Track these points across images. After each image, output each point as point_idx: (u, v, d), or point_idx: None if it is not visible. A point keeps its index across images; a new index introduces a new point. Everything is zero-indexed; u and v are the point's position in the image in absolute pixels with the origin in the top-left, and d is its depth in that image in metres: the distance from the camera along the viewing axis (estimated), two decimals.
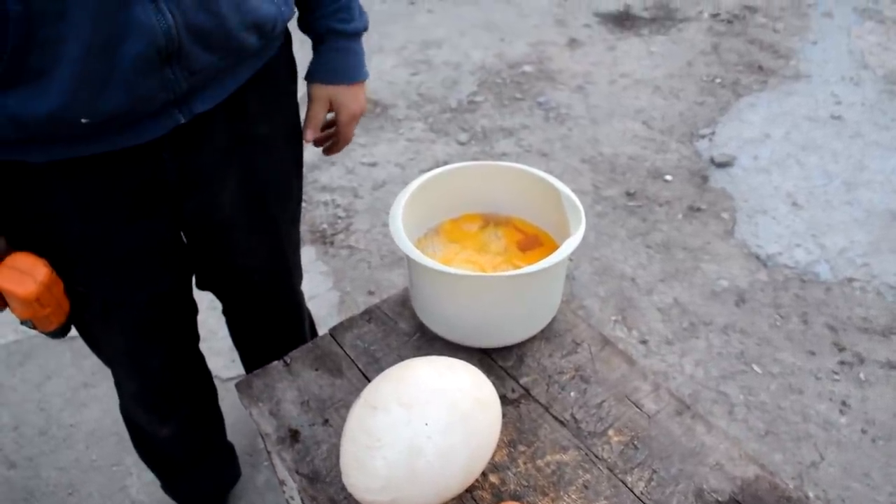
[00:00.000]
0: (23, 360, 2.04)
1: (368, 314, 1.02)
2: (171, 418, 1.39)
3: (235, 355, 1.97)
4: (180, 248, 1.09)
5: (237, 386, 0.93)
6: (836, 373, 1.91)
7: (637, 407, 0.88)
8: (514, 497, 0.79)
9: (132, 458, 1.78)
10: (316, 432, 0.86)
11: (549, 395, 0.90)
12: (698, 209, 2.44)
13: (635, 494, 0.79)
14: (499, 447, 0.84)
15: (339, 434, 0.85)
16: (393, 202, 0.94)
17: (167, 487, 1.61)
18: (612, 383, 0.91)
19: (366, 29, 1.15)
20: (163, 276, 1.10)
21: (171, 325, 1.22)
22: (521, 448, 0.84)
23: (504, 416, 0.87)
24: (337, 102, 1.15)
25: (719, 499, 0.78)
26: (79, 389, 1.97)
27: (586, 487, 0.80)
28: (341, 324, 1.00)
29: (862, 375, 1.90)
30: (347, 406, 0.88)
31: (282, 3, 0.95)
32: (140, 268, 1.04)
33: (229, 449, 1.66)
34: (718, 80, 3.13)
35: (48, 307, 0.92)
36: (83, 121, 0.79)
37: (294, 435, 0.86)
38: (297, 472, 0.82)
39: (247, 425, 1.81)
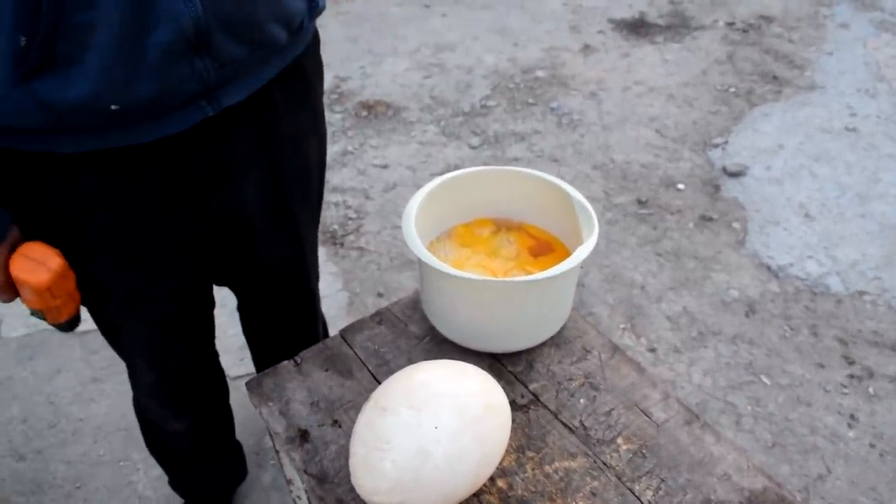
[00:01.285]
0: (33, 353, 2.05)
1: (379, 316, 1.02)
2: (185, 413, 1.40)
3: (245, 354, 1.98)
4: (205, 242, 1.09)
5: (247, 385, 0.93)
6: (844, 386, 1.90)
7: (646, 415, 0.88)
8: (522, 503, 0.79)
9: (139, 454, 1.79)
10: (325, 433, 0.86)
11: (558, 401, 0.90)
12: (710, 218, 2.43)
13: (643, 503, 0.79)
14: (507, 452, 0.84)
15: (348, 435, 0.85)
16: (404, 204, 0.94)
17: (175, 483, 1.62)
18: (621, 391, 0.91)
19: None
20: (188, 270, 1.10)
21: (193, 319, 1.22)
22: (530, 454, 0.84)
23: (513, 421, 0.87)
24: None
25: None
26: (87, 384, 1.98)
27: (594, 495, 0.80)
28: (352, 325, 1.01)
29: (871, 389, 1.89)
30: (357, 407, 0.88)
31: None
32: (165, 261, 1.04)
33: (237, 447, 1.66)
34: (732, 90, 3.13)
35: (59, 298, 0.92)
36: (113, 108, 0.79)
37: (303, 435, 0.86)
38: (305, 471, 0.83)
39: (254, 424, 1.82)
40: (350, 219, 2.47)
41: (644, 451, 0.84)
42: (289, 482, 1.08)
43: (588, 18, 3.72)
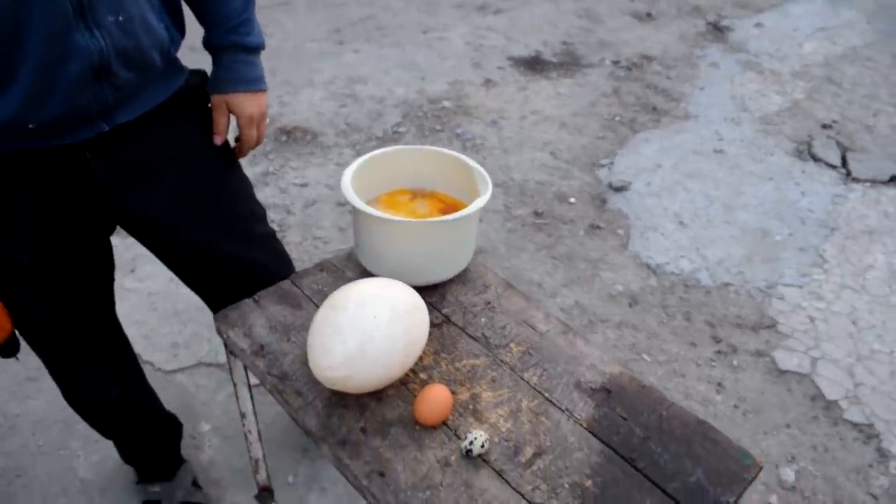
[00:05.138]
0: None
1: (321, 265, 1.24)
2: (116, 374, 1.48)
3: (177, 350, 2.13)
4: (110, 229, 1.26)
5: (215, 317, 1.13)
6: (713, 360, 2.20)
7: (532, 328, 1.13)
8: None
9: (78, 442, 1.88)
10: (282, 346, 1.08)
11: (465, 320, 1.14)
12: (598, 227, 2.74)
13: (530, 385, 1.03)
14: (426, 354, 1.07)
15: (300, 347, 1.07)
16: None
17: (128, 454, 1.70)
18: (513, 312, 1.16)
19: (263, 47, 1.28)
20: (95, 249, 1.26)
21: (97, 288, 1.34)
22: (444, 355, 1.07)
23: (430, 334, 1.10)
24: (236, 107, 1.27)
25: (593, 387, 1.03)
26: (23, 383, 2.06)
27: (494, 381, 1.04)
28: (298, 273, 1.22)
29: (735, 362, 2.20)
30: (306, 329, 1.10)
31: (173, 30, 1.16)
32: (75, 242, 1.20)
33: (172, 417, 1.76)
34: (618, 119, 3.49)
35: None
36: (30, 126, 1.00)
37: (263, 348, 1.07)
38: (268, 374, 1.03)
39: (188, 413, 1.93)
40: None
41: (531, 351, 1.09)
42: (242, 416, 1.27)
43: (489, 56, 4.06)
